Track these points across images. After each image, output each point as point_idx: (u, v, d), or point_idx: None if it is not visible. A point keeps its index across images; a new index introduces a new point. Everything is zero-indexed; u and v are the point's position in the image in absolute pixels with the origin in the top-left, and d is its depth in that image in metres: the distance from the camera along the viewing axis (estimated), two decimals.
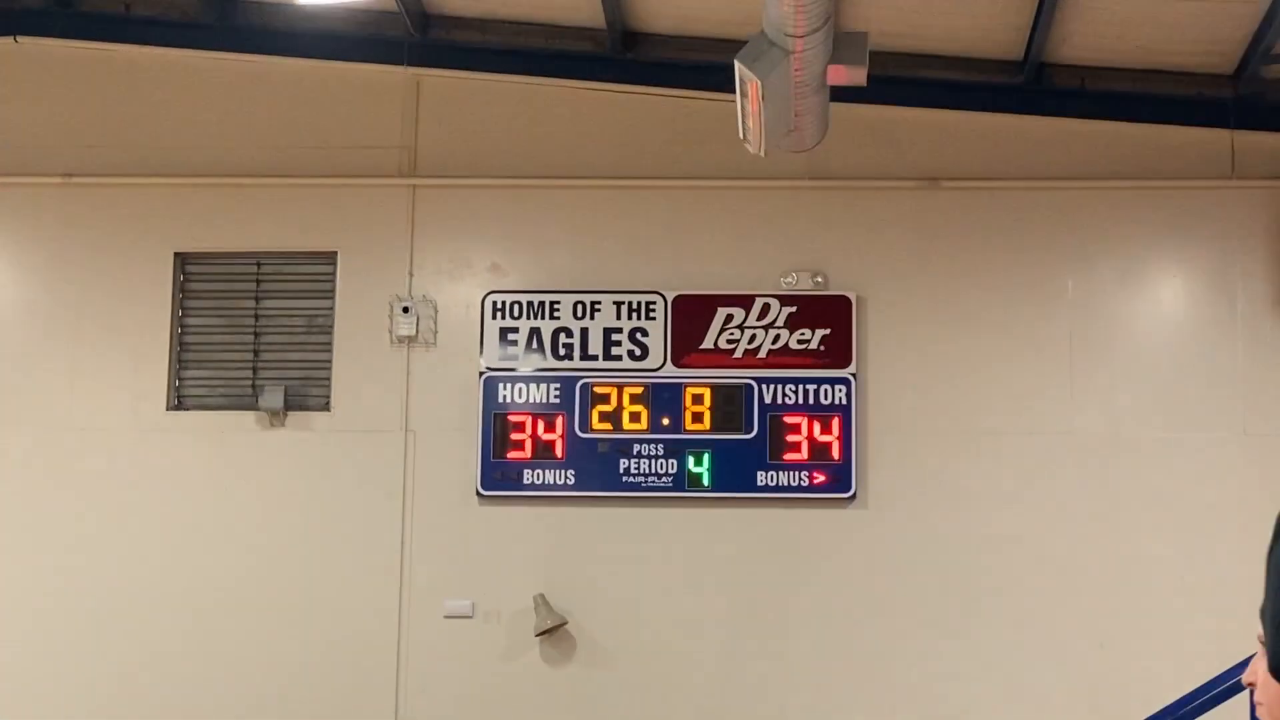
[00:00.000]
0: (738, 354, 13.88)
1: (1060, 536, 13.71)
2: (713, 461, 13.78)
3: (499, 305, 14.09)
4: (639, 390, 13.90)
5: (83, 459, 14.19)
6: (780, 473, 13.75)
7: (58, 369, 14.31)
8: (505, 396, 13.98)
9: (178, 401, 14.36)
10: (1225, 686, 8.58)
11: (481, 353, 14.06)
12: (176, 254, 14.44)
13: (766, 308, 13.92)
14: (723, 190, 14.20)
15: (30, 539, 14.12)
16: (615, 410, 13.89)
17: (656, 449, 13.82)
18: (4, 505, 14.17)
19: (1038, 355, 13.92)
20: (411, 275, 14.26)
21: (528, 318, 14.06)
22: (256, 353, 14.43)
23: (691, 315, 13.96)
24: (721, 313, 13.95)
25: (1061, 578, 13.66)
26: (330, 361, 14.28)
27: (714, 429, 13.81)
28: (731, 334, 13.90)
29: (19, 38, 14.64)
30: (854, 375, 13.84)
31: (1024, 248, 14.05)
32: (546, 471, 13.88)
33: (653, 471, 13.81)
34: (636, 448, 13.84)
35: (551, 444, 13.89)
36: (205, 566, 14.03)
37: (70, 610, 14.03)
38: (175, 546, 14.07)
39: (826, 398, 13.81)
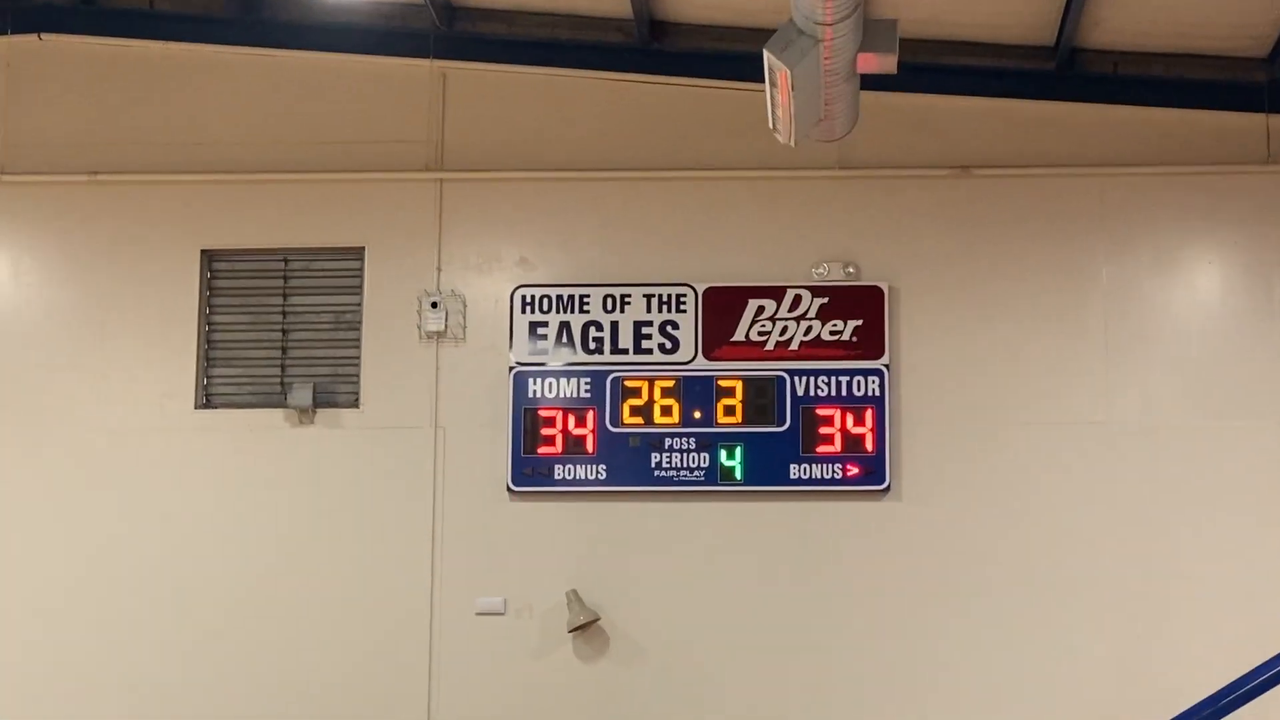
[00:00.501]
0: (769, 346, 13.78)
1: (1096, 526, 13.59)
2: (745, 455, 13.68)
3: (528, 299, 14.00)
4: (670, 384, 13.81)
5: (111, 459, 14.14)
6: (813, 465, 13.64)
7: (85, 368, 14.27)
8: (535, 391, 13.90)
9: (206, 400, 14.30)
10: (1266, 677, 8.45)
11: (511, 347, 13.97)
12: (203, 251, 14.39)
13: (798, 299, 13.81)
14: (753, 181, 14.09)
15: (60, 540, 14.08)
16: (646, 404, 13.80)
17: (688, 443, 13.73)
18: (34, 506, 14.13)
19: (1072, 344, 13.80)
20: (440, 270, 14.18)
21: (557, 312, 13.97)
22: (285, 350, 14.37)
23: (722, 307, 13.86)
24: (753, 304, 13.85)
25: (1098, 567, 13.54)
26: (359, 358, 14.21)
27: (746, 422, 13.71)
28: (763, 326, 13.80)
29: (43, 35, 14.59)
30: (887, 366, 13.73)
31: (1057, 235, 13.92)
32: (577, 466, 13.79)
33: (685, 465, 13.71)
34: (668, 441, 13.74)
35: (582, 439, 13.81)
36: (235, 565, 13.97)
37: (100, 610, 13.99)
38: (205, 545, 14.02)
39: (859, 389, 13.71)
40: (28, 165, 14.45)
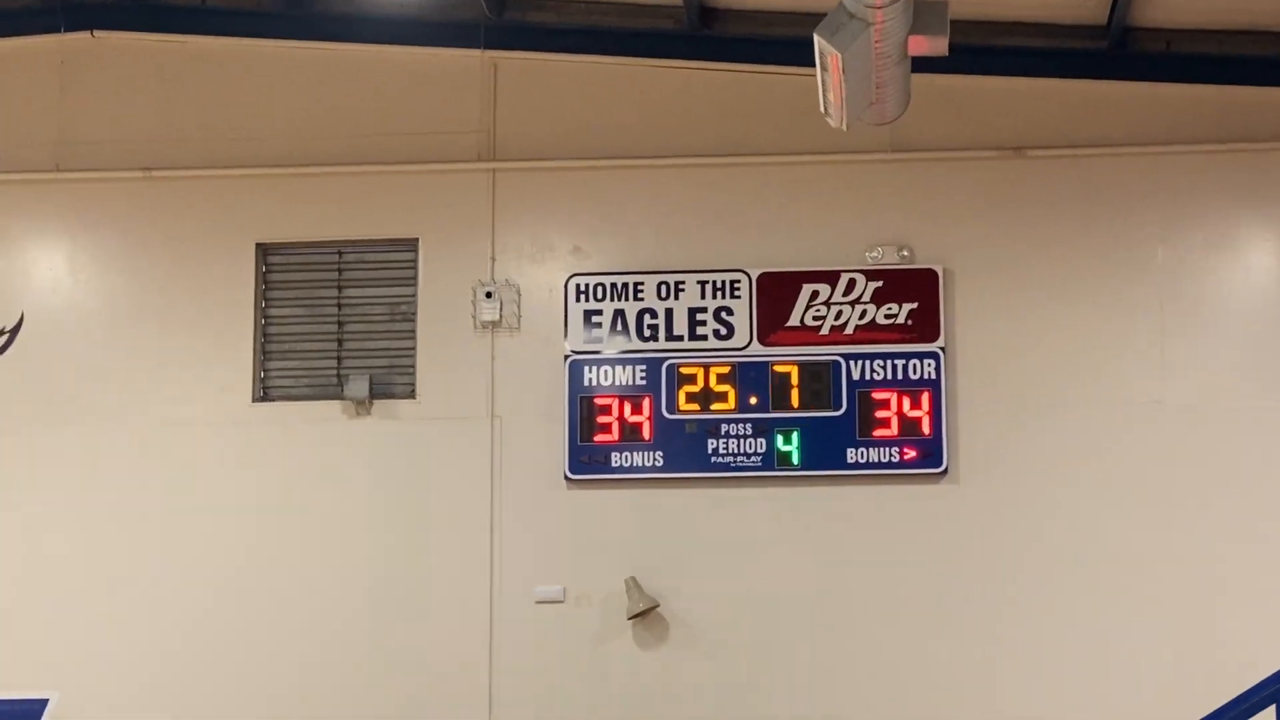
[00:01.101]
0: (824, 330, 13.77)
1: (1154, 507, 13.54)
2: (802, 440, 13.68)
3: (582, 288, 14.02)
4: (725, 370, 13.81)
5: (169, 453, 14.22)
6: (870, 449, 13.63)
7: (142, 363, 14.35)
8: (591, 379, 13.92)
9: (263, 393, 14.37)
10: None
11: (566, 336, 13.99)
12: (258, 245, 14.46)
13: (852, 283, 13.80)
14: (805, 165, 14.07)
15: (118, 534, 14.16)
16: (702, 390, 13.82)
17: (745, 428, 13.73)
18: (92, 500, 14.20)
19: (1128, 324, 13.75)
20: (493, 260, 14.21)
21: (611, 299, 13.99)
22: (340, 342, 14.42)
23: (776, 293, 13.86)
24: (807, 289, 13.84)
25: (1156, 548, 13.48)
26: (414, 349, 14.26)
27: (802, 407, 13.71)
28: (817, 310, 13.79)
29: (96, 32, 14.66)
30: (942, 349, 13.70)
31: (1112, 216, 13.87)
32: (634, 454, 13.81)
33: (741, 451, 13.72)
34: (724, 428, 13.75)
35: (639, 426, 13.82)
36: (293, 557, 14.04)
37: (159, 603, 14.06)
38: (262, 537, 14.09)
39: (915, 372, 13.69)
40: (83, 162, 14.53)
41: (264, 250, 14.49)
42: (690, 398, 13.81)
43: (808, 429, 13.69)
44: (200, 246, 14.44)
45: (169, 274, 14.45)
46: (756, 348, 13.82)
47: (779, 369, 13.78)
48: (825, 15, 10.65)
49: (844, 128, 11.76)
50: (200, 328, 14.36)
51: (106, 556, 14.14)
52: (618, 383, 13.91)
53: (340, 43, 14.49)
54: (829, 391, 13.69)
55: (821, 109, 11.56)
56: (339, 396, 14.20)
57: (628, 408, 13.86)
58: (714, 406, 13.78)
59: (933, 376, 13.67)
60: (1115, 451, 13.65)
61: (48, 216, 14.60)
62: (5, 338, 14.45)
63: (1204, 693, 12.00)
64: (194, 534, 14.11)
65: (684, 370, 13.86)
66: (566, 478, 13.86)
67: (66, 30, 14.65)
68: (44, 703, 13.95)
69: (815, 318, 13.79)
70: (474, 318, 14.14)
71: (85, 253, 14.58)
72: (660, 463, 13.80)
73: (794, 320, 13.82)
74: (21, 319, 14.46)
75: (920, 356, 13.70)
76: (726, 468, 13.73)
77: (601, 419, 13.86)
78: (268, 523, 14.10)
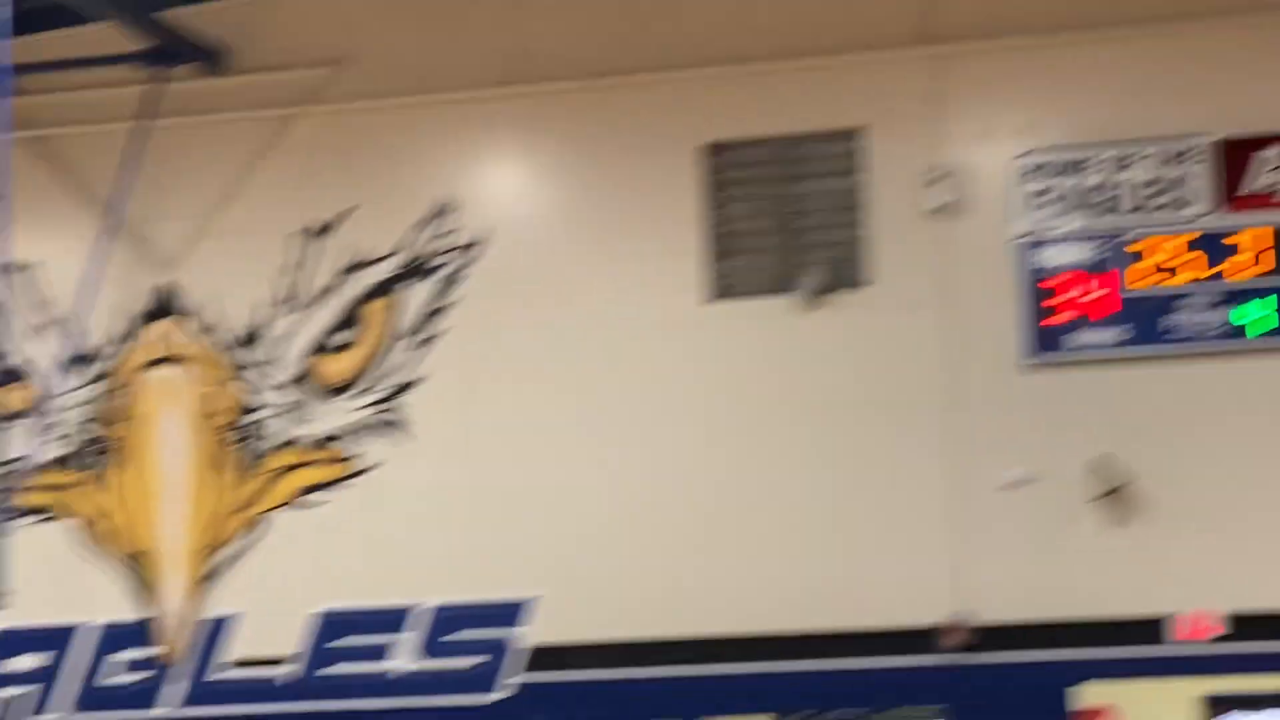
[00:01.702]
0: None
1: None
2: (1271, 307, 13.12)
3: (1032, 167, 13.75)
4: (1186, 240, 13.35)
5: (625, 356, 14.49)
6: None
7: (598, 269, 14.62)
8: (1043, 260, 13.65)
9: (716, 291, 14.44)
10: None
11: (1016, 217, 13.72)
12: (707, 144, 14.54)
13: None
14: (1262, 26, 13.47)
15: (581, 437, 14.47)
16: (1161, 264, 13.41)
17: (1208, 300, 13.28)
18: (554, 404, 14.53)
19: None
20: (941, 144, 14.01)
21: (1063, 176, 13.67)
22: (790, 236, 14.38)
23: (1237, 158, 13.46)
24: (1270, 152, 13.33)
25: None
26: (864, 239, 14.14)
27: (1271, 274, 13.15)
28: None
29: None
30: None
31: None
32: (1092, 332, 13.54)
33: (1206, 323, 13.26)
34: (1186, 300, 13.31)
35: (1095, 304, 13.49)
36: (753, 455, 14.15)
37: (620, 503, 14.32)
38: (723, 436, 14.22)
39: None
40: (533, 74, 14.81)
41: (713, 149, 14.57)
42: (1148, 272, 13.43)
43: (1276, 296, 13.14)
44: (650, 149, 14.62)
45: (621, 179, 14.68)
46: (1217, 216, 13.37)
47: (1242, 237, 13.28)
48: None
49: None
50: (653, 230, 14.56)
51: (572, 460, 14.45)
52: (1072, 261, 13.60)
53: None
54: None
55: None
56: (790, 291, 14.19)
57: (1083, 286, 13.54)
58: (1174, 280, 13.37)
59: None
60: None
61: (503, 129, 14.96)
62: (479, 249, 14.85)
63: None
64: (652, 434, 14.35)
65: (1141, 244, 13.46)
66: (1023, 360, 13.64)
67: None
68: (526, 604, 14.33)
69: None
70: (923, 204, 13.96)
71: (541, 164, 14.92)
72: (1119, 339, 13.49)
73: (1257, 184, 13.32)
74: (488, 230, 14.83)
75: None
76: (1190, 340, 13.30)
77: (1055, 299, 13.58)
78: (724, 419, 14.26)
